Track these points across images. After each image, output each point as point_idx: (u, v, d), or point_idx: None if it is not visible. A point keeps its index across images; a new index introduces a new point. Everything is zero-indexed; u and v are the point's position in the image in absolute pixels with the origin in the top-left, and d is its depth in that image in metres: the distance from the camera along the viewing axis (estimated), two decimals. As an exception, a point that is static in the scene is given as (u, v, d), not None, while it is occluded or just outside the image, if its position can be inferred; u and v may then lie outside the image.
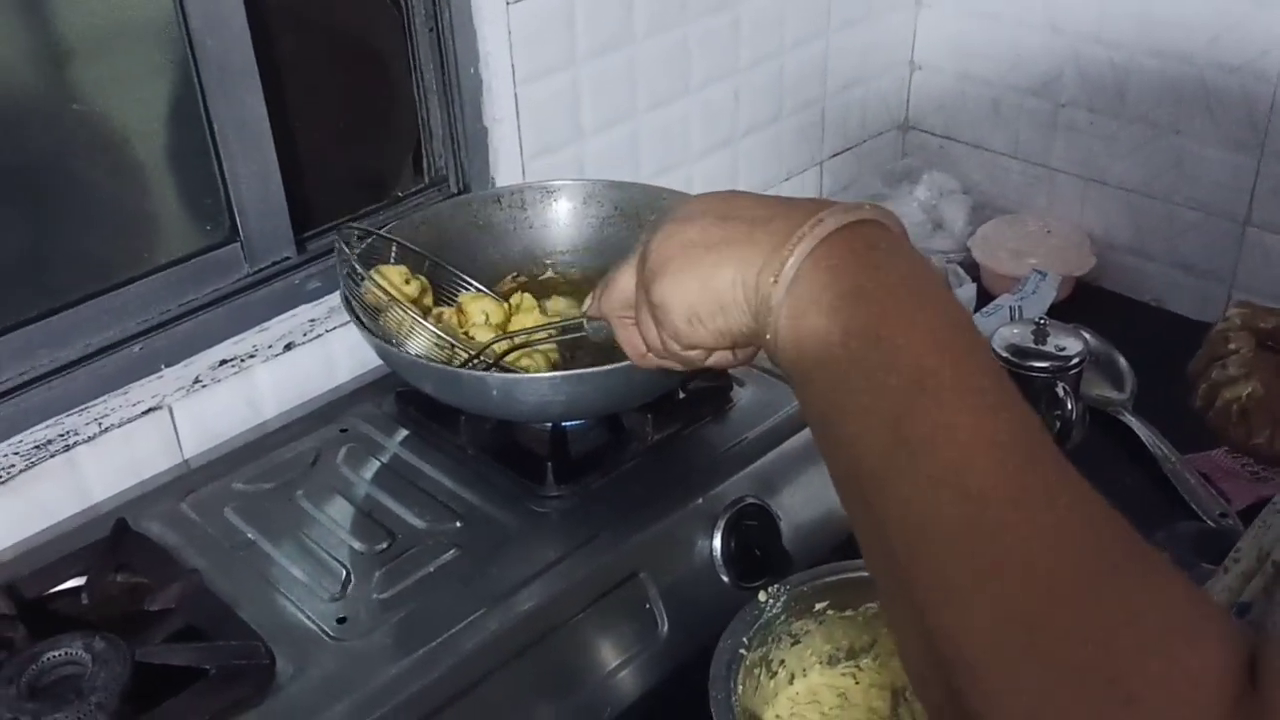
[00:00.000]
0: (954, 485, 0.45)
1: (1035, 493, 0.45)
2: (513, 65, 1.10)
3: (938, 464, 0.46)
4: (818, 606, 0.86)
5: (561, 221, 1.10)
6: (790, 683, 0.86)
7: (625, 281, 0.67)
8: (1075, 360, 1.09)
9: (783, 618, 0.85)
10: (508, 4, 1.08)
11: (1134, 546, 0.44)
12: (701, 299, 0.59)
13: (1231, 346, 0.89)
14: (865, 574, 0.87)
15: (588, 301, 0.76)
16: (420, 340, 0.91)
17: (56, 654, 0.76)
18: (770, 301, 0.55)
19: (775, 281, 0.54)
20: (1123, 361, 1.21)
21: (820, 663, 0.87)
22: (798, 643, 0.86)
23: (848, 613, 0.87)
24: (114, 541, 0.88)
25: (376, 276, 0.95)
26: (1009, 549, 0.43)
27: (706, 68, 1.29)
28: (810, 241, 0.54)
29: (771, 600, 0.84)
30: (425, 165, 1.17)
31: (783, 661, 0.85)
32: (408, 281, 0.97)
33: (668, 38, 1.23)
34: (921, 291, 0.52)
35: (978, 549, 0.44)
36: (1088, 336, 1.16)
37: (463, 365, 0.90)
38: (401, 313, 0.92)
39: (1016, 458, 0.46)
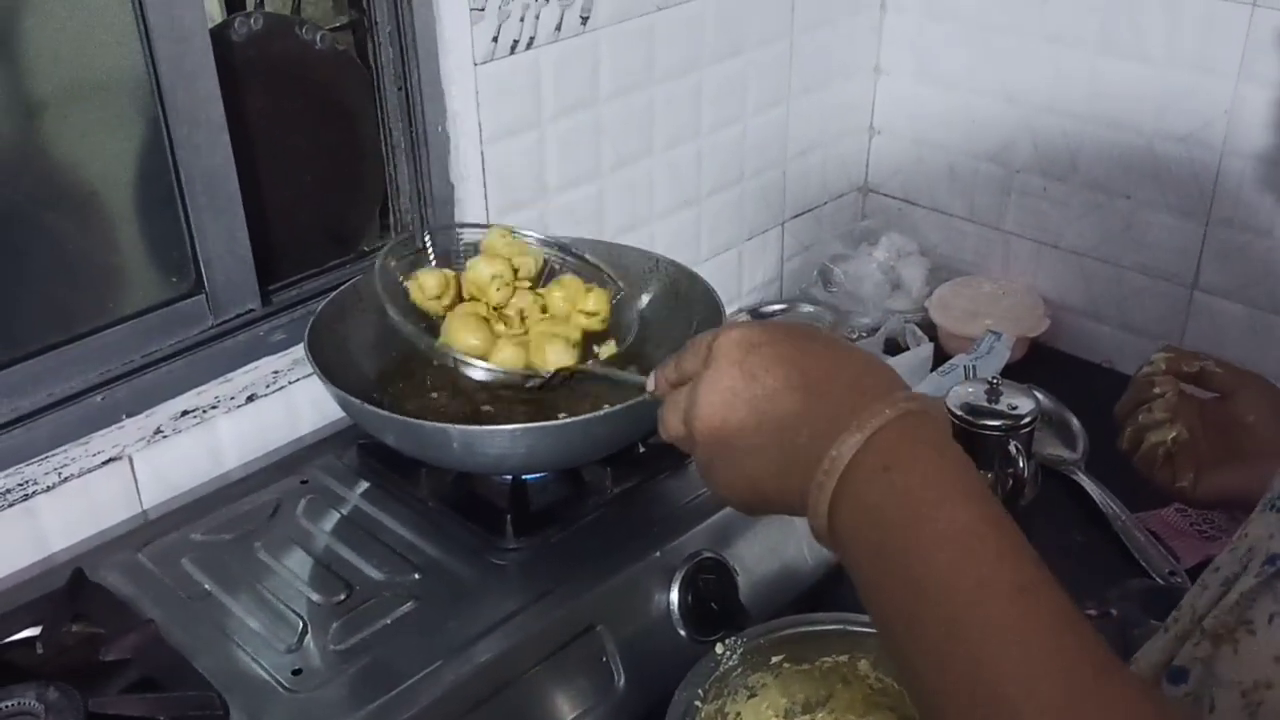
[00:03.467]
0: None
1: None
2: (480, 124, 1.12)
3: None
4: (774, 659, 0.87)
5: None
6: (745, 736, 0.86)
7: (678, 402, 0.66)
8: (1027, 419, 1.11)
9: (739, 670, 0.85)
10: (475, 64, 1.10)
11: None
12: (746, 491, 0.62)
13: (1157, 391, 0.91)
14: (822, 628, 0.88)
15: (652, 378, 0.72)
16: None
17: (9, 704, 0.76)
18: (817, 501, 0.57)
19: (822, 481, 0.56)
20: (1075, 421, 1.24)
21: (776, 716, 0.87)
22: (754, 695, 0.86)
23: (804, 666, 0.87)
24: (70, 591, 0.88)
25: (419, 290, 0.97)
26: None
27: (670, 130, 1.32)
28: (844, 462, 0.55)
29: (728, 652, 0.85)
30: (392, 220, 1.19)
31: (738, 714, 0.85)
32: (441, 294, 0.98)
33: (632, 100, 1.26)
34: (962, 494, 0.54)
35: None
36: (1040, 396, 1.18)
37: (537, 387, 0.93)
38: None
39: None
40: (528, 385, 0.93)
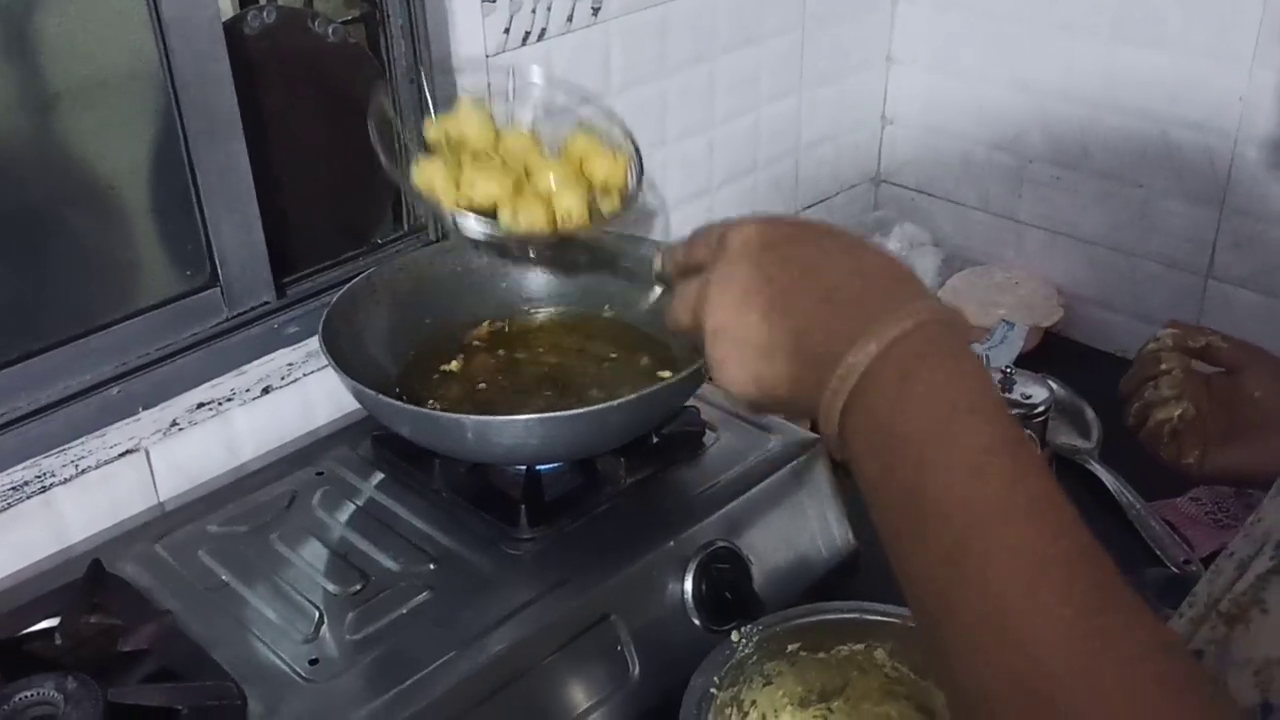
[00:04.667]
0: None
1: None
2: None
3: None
4: (790, 647, 0.87)
5: (538, 268, 1.12)
6: (761, 724, 0.87)
7: (688, 295, 0.64)
8: (1041, 408, 1.10)
9: (755, 658, 0.85)
10: (487, 56, 1.10)
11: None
12: (755, 392, 0.60)
13: (1163, 367, 0.90)
14: (839, 616, 0.88)
15: (659, 259, 0.71)
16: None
17: (29, 694, 0.76)
18: (830, 408, 0.55)
19: (836, 390, 0.55)
20: (1090, 411, 1.24)
21: (792, 704, 0.87)
22: (769, 683, 0.86)
23: (820, 655, 0.87)
24: (88, 583, 0.89)
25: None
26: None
27: (682, 121, 1.32)
28: (860, 370, 0.54)
29: (744, 640, 0.85)
30: (405, 213, 1.19)
31: (754, 702, 0.86)
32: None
33: (645, 91, 1.26)
34: (970, 407, 0.52)
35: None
36: (1054, 385, 1.18)
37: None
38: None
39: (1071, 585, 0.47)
40: (534, 246, 0.85)
